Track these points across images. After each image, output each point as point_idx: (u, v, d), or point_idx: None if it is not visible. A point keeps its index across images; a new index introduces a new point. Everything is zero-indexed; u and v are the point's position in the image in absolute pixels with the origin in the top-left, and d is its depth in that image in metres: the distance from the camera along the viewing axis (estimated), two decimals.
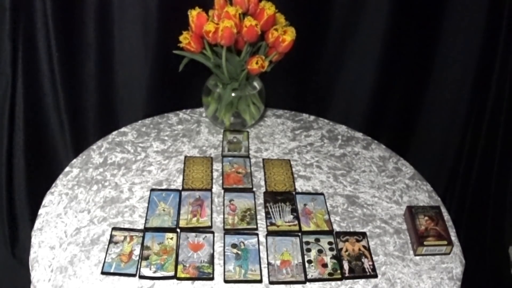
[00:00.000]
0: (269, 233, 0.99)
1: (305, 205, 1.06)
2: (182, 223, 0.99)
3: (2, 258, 1.53)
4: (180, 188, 1.08)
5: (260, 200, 1.06)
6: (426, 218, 1.01)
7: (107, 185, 1.07)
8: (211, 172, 1.13)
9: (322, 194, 1.09)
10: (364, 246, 0.98)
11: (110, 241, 0.95)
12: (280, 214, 1.03)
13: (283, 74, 1.34)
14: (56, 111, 1.42)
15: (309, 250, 0.96)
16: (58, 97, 1.39)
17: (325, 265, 0.93)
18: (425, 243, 0.96)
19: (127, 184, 1.08)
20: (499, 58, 1.36)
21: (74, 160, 1.14)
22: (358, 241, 0.99)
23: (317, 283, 0.91)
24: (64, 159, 1.47)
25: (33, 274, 0.89)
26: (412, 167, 1.19)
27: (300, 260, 0.94)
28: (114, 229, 0.97)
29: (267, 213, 1.03)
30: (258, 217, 1.02)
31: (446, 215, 1.04)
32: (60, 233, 0.96)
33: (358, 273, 0.92)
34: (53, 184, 1.07)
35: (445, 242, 0.96)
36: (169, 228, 0.98)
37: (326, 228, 1.01)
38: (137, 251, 0.93)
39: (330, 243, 0.98)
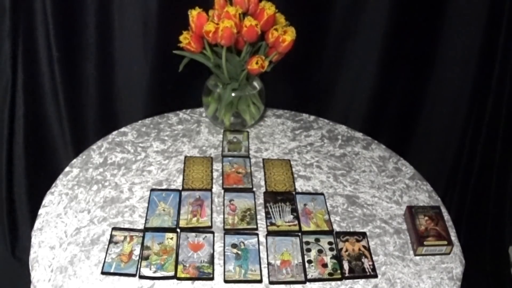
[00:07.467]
0: (269, 233, 0.99)
1: (305, 205, 1.06)
2: (182, 223, 0.99)
3: (2, 258, 1.53)
4: (180, 188, 1.08)
5: (260, 200, 1.06)
6: (426, 218, 1.01)
7: (107, 185, 1.07)
8: (211, 172, 1.13)
9: (322, 194, 1.09)
10: (364, 246, 0.98)
11: (110, 241, 0.95)
12: (280, 214, 1.03)
13: (283, 74, 1.34)
14: (56, 111, 1.42)
15: (309, 250, 0.96)
16: (58, 97, 1.39)
17: (325, 265, 0.93)
18: (425, 243, 0.96)
19: (127, 184, 1.08)
20: (499, 58, 1.36)
21: (74, 160, 1.14)
22: (358, 241, 0.99)
23: (317, 283, 0.91)
24: (64, 159, 1.47)
25: (33, 274, 0.89)
26: (412, 167, 1.19)
27: (300, 260, 0.94)
28: (114, 229, 0.97)
29: (267, 213, 1.03)
30: (258, 217, 1.02)
31: (446, 215, 1.04)
32: (60, 233, 0.96)
33: (358, 273, 0.92)
34: (53, 184, 1.07)
35: (445, 242, 0.96)
36: (169, 228, 0.98)
37: (326, 228, 1.01)
38: (137, 251, 0.93)
39: (330, 243, 0.98)
